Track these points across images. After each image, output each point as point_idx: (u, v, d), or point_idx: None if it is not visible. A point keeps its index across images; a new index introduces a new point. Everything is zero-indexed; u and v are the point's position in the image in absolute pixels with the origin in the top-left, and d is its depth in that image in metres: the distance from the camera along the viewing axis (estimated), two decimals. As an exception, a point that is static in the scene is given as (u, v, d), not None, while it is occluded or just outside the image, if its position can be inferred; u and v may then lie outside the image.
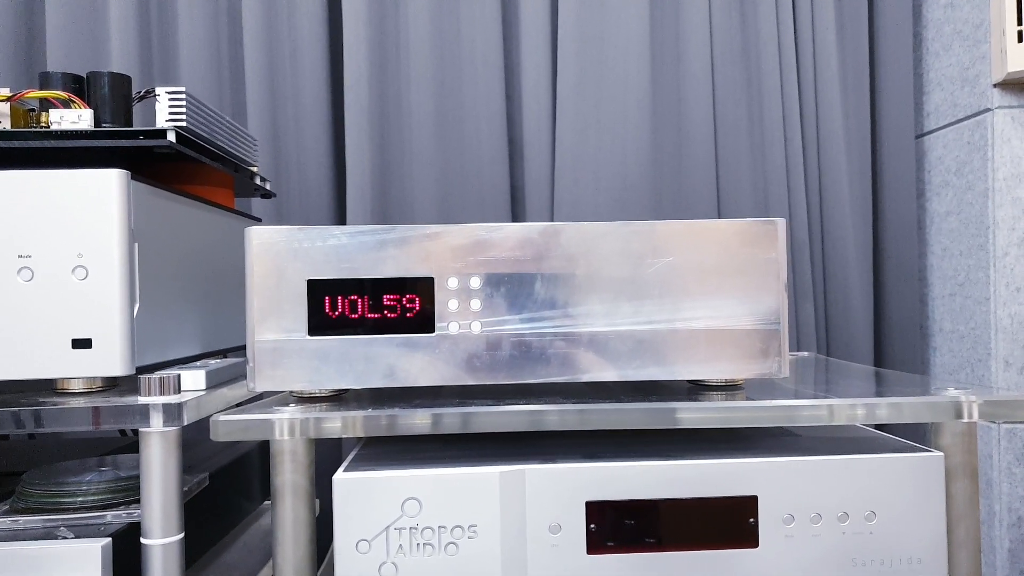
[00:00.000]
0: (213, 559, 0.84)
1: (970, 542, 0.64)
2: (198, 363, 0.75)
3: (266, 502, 1.07)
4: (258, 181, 0.96)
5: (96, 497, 0.67)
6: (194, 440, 0.98)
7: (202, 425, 0.67)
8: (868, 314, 1.30)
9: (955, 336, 1.24)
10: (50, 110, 0.70)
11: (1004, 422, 1.13)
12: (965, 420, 0.63)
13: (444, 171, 1.27)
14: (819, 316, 1.30)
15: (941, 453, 0.64)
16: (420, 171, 1.26)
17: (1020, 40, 1.09)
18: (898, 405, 0.63)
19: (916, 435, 0.74)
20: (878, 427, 0.80)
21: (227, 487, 0.88)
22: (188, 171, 0.85)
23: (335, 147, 1.27)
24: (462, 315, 0.64)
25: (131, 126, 0.74)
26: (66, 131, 0.69)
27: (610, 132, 1.27)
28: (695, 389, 0.70)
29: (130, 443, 0.96)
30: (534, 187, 1.27)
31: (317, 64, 1.24)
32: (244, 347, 0.93)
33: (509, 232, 0.64)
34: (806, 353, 1.08)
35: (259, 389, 0.64)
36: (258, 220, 1.05)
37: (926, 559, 0.62)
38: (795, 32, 1.30)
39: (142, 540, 0.62)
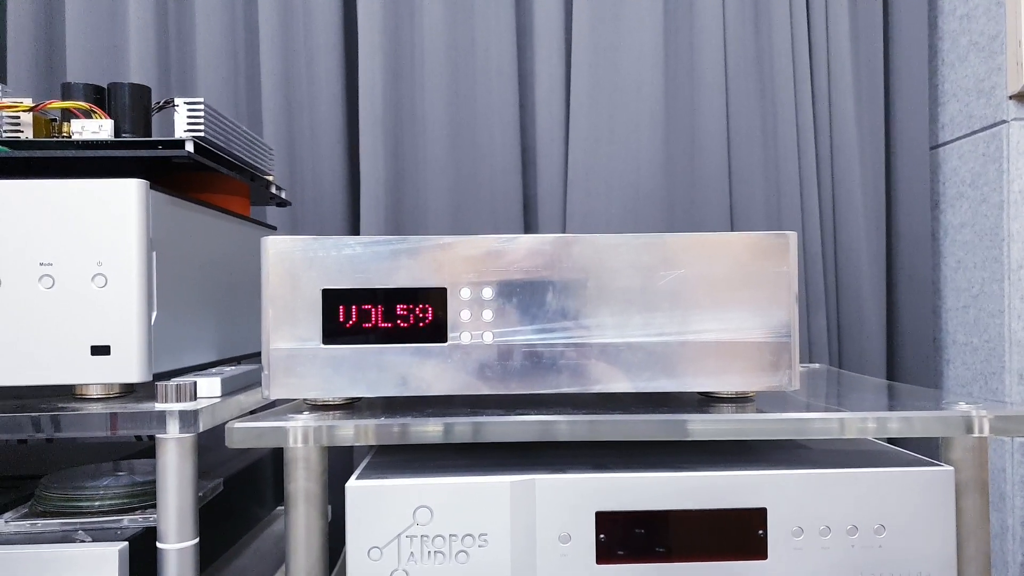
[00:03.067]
0: (226, 564, 0.85)
1: (980, 558, 0.64)
2: (213, 370, 0.75)
3: (278, 508, 1.08)
4: (274, 190, 0.97)
5: (113, 501, 0.68)
6: (207, 446, 0.99)
7: (216, 431, 0.68)
8: (881, 326, 1.29)
9: (968, 349, 1.24)
10: (71, 120, 0.71)
11: (1017, 437, 1.12)
12: (976, 435, 0.63)
13: (457, 180, 1.28)
14: (831, 327, 1.29)
15: (951, 468, 0.64)
16: (434, 179, 1.27)
17: (1035, 52, 1.09)
18: (909, 419, 0.63)
19: (927, 449, 0.74)
20: (889, 441, 0.80)
21: (240, 493, 0.89)
22: (205, 179, 0.86)
23: (349, 155, 1.28)
24: (474, 325, 0.65)
25: (150, 136, 0.75)
26: (87, 141, 0.70)
27: (623, 142, 1.28)
28: (706, 401, 0.70)
29: (144, 448, 0.97)
30: (546, 196, 1.28)
31: (332, 73, 1.26)
32: (258, 354, 0.94)
33: (521, 243, 0.65)
34: (817, 365, 1.08)
35: (273, 396, 0.65)
36: (273, 228, 1.06)
37: (935, 574, 0.62)
38: (809, 42, 1.30)
39: (158, 544, 0.62)
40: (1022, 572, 1.11)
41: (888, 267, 1.33)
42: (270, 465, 1.02)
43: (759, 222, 1.29)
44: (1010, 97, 1.14)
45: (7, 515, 0.68)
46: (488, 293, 0.65)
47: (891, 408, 0.66)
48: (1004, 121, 1.15)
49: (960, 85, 1.27)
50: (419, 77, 1.28)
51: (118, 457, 0.88)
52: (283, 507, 0.65)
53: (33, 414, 0.62)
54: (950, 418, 0.63)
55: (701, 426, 0.63)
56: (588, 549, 0.61)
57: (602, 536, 0.62)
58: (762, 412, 0.64)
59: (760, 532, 0.62)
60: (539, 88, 1.28)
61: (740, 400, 0.69)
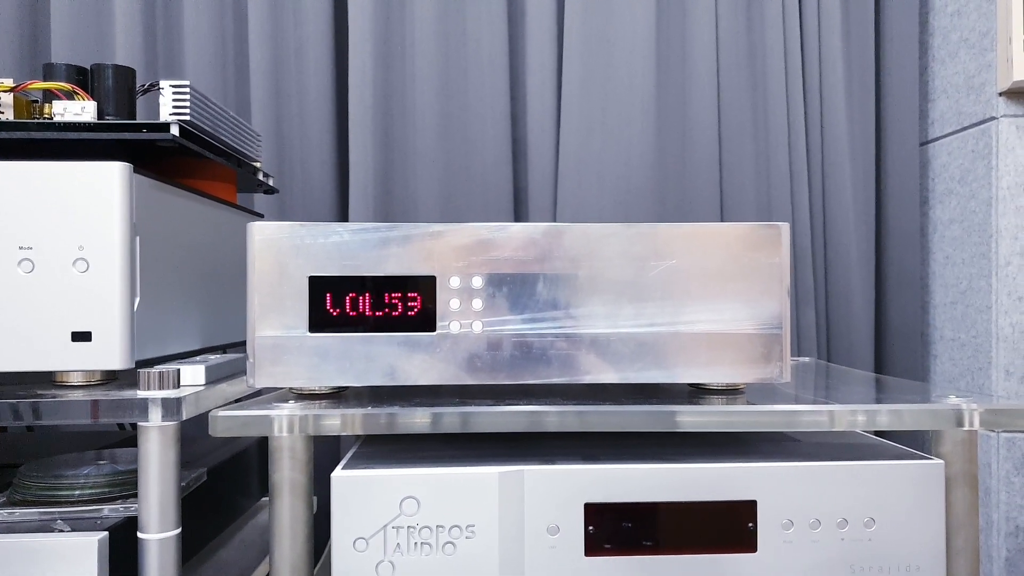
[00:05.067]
0: (210, 555, 0.84)
1: (969, 551, 0.64)
2: (197, 358, 0.74)
3: (264, 498, 1.07)
4: (261, 177, 0.96)
5: (93, 491, 0.67)
6: (192, 435, 0.98)
7: (201, 420, 0.67)
8: (869, 321, 1.29)
9: (956, 344, 1.24)
10: (53, 102, 0.70)
11: (1004, 431, 1.13)
12: (966, 428, 0.63)
13: (447, 170, 1.27)
14: (820, 322, 1.29)
15: (941, 461, 0.64)
16: (424, 170, 1.26)
17: (1026, 49, 1.09)
18: (899, 412, 0.63)
19: (915, 442, 0.74)
20: (878, 434, 0.80)
21: (225, 483, 0.88)
22: (191, 165, 0.85)
23: (339, 144, 1.27)
24: (464, 314, 0.64)
25: (135, 119, 0.74)
26: (69, 123, 0.69)
27: (614, 134, 1.27)
28: (696, 393, 0.70)
29: (127, 437, 0.96)
30: (537, 188, 1.27)
31: (322, 61, 1.24)
32: (243, 343, 0.93)
33: (512, 232, 0.64)
34: (807, 359, 1.07)
35: (259, 385, 0.64)
36: (260, 216, 1.04)
37: (924, 567, 0.62)
38: (801, 37, 1.30)
39: (139, 534, 0.61)
40: (1007, 566, 1.12)
41: (877, 262, 1.33)
42: (255, 455, 1.01)
43: (749, 215, 1.29)
44: (1000, 94, 1.14)
45: (-15, 504, 0.66)
46: (478, 282, 0.64)
47: (880, 401, 0.65)
48: (993, 118, 1.15)
49: (950, 81, 1.27)
50: (409, 67, 1.27)
51: (100, 446, 0.86)
52: (268, 498, 0.64)
53: (12, 401, 0.60)
54: (940, 411, 0.63)
55: (690, 418, 0.62)
56: (577, 541, 0.61)
57: (591, 528, 0.61)
58: (752, 404, 0.63)
59: (750, 525, 0.61)
60: (531, 79, 1.27)
61: (730, 392, 0.69)
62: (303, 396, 0.67)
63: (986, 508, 1.15)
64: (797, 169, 1.28)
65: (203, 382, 0.68)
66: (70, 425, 1.09)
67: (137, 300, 0.66)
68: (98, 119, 0.70)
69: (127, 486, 0.68)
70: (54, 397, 0.61)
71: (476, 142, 1.27)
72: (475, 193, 1.27)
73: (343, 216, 1.27)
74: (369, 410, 0.61)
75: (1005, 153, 1.14)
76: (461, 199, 1.27)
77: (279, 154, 1.25)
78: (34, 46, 1.24)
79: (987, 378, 1.16)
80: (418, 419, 0.62)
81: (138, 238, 0.66)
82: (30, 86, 0.70)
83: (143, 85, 0.76)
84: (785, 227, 0.66)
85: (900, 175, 1.32)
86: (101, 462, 0.72)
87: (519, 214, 1.30)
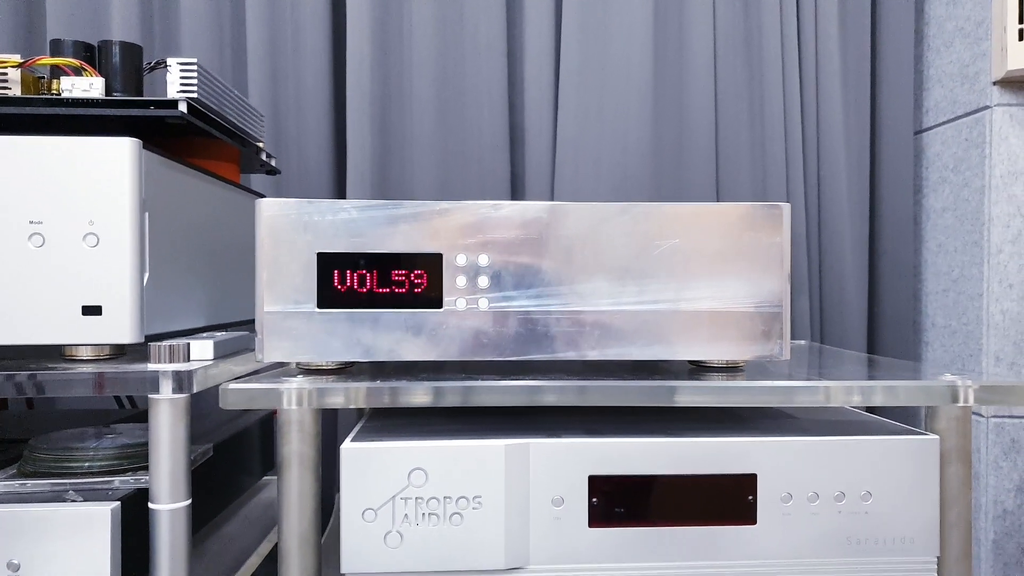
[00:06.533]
0: (214, 530, 0.85)
1: (961, 524, 0.66)
2: (204, 334, 0.75)
3: (265, 476, 1.07)
4: (264, 157, 0.96)
5: (104, 463, 0.68)
6: (195, 412, 0.99)
7: (202, 397, 0.68)
8: (862, 308, 1.31)
9: (947, 331, 1.26)
10: (61, 78, 0.70)
11: (993, 416, 1.15)
12: (960, 405, 0.65)
13: (444, 156, 1.27)
14: (814, 308, 1.31)
15: (936, 437, 0.65)
16: (421, 155, 1.26)
17: (1021, 38, 1.10)
18: (894, 389, 0.64)
19: (905, 421, 0.75)
20: (872, 411, 0.82)
21: (229, 459, 0.89)
22: (195, 144, 0.85)
23: (336, 129, 1.27)
24: (470, 292, 0.65)
25: (141, 96, 0.74)
26: (77, 99, 0.69)
27: (611, 121, 1.28)
28: (696, 370, 0.71)
29: (129, 415, 0.96)
30: (534, 174, 1.28)
31: (319, 45, 1.24)
32: (246, 321, 0.93)
33: (518, 211, 0.65)
34: (802, 341, 1.09)
35: (267, 360, 0.64)
36: (261, 196, 1.05)
37: (919, 539, 0.64)
38: (798, 25, 1.31)
39: (150, 505, 0.62)
40: (994, 548, 1.14)
41: (871, 250, 1.35)
42: (257, 434, 1.01)
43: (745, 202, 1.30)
44: (994, 83, 1.16)
45: (-5, 475, 0.67)
46: (484, 260, 0.65)
47: (875, 379, 0.67)
48: (987, 107, 1.17)
49: (945, 71, 1.28)
50: (407, 52, 1.27)
51: (101, 423, 0.87)
52: (270, 476, 0.65)
53: (18, 372, 0.61)
54: (935, 388, 0.65)
55: (688, 395, 0.63)
56: (581, 512, 0.62)
57: (595, 500, 0.62)
58: (749, 380, 0.65)
59: (750, 497, 0.63)
60: (528, 65, 1.28)
61: (730, 370, 0.70)
62: (310, 371, 0.68)
63: (975, 492, 1.17)
64: (793, 157, 1.29)
65: (211, 357, 0.68)
66: (70, 401, 1.09)
67: (146, 275, 0.67)
68: (106, 96, 0.70)
69: (136, 459, 0.69)
70: (65, 371, 0.62)
71: (473, 127, 1.28)
72: (472, 178, 1.28)
73: (340, 199, 1.28)
74: (373, 384, 0.62)
75: (998, 142, 1.16)
76: (458, 184, 1.28)
77: (276, 137, 1.25)
78: (29, 24, 1.23)
79: (977, 364, 1.18)
80: (420, 393, 0.63)
81: (147, 214, 0.67)
82: (38, 62, 0.70)
83: (150, 63, 0.76)
84: (787, 207, 0.67)
85: (894, 163, 1.33)
86: (109, 435, 0.73)
87: (516, 200, 1.31)
